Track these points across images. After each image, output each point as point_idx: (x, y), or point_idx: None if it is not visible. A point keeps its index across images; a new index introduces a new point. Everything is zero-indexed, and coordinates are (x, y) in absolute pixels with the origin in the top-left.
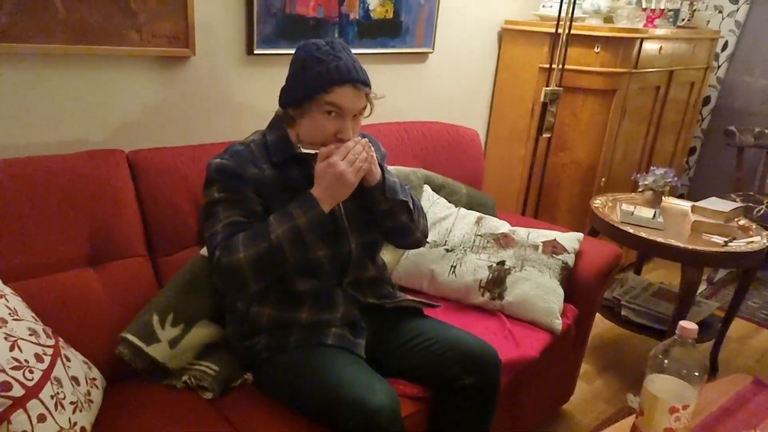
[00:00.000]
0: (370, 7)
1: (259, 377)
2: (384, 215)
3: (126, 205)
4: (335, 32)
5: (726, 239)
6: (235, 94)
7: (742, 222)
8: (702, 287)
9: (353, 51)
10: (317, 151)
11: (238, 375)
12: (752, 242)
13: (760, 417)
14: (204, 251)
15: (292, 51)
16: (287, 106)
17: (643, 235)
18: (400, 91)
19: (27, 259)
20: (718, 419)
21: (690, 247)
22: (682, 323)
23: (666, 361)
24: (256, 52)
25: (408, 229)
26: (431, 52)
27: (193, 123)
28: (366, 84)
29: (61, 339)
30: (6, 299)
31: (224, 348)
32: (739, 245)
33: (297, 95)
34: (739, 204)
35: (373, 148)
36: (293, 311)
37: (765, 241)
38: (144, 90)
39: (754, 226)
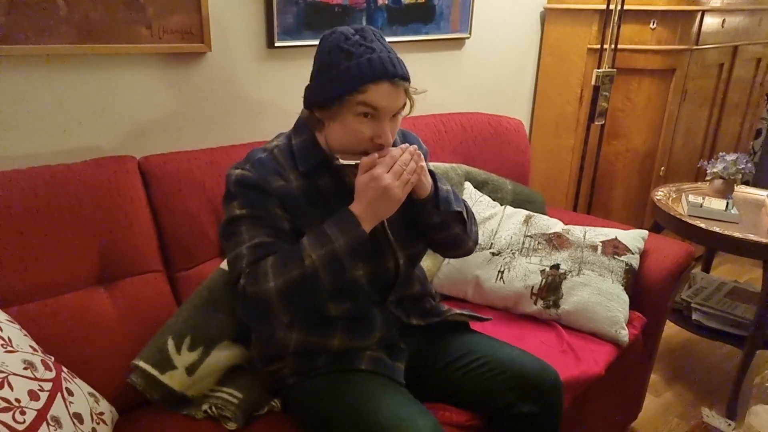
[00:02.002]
0: None
1: (287, 403)
2: (435, 228)
3: (138, 216)
4: (363, 20)
5: None
6: (255, 91)
7: None
8: None
9: None
10: (358, 162)
11: (263, 401)
12: None
13: None
14: (225, 264)
15: (317, 42)
16: (313, 108)
17: (717, 229)
18: (436, 81)
19: (29, 280)
20: None
21: None
22: None
23: (763, 394)
24: (277, 44)
25: (460, 240)
26: (468, 38)
27: (209, 124)
28: (405, 78)
29: (64, 369)
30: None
31: (248, 371)
32: None
33: (324, 95)
34: None
35: (422, 157)
36: (324, 336)
37: None
38: (156, 90)
39: None
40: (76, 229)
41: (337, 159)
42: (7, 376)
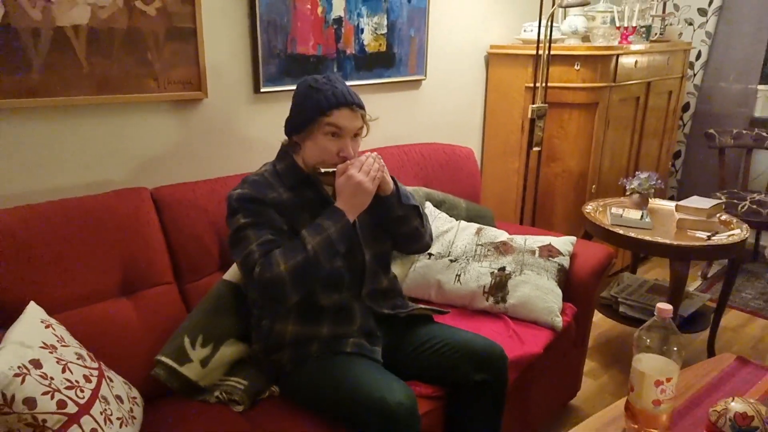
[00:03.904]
0: (365, 42)
1: (285, 388)
2: (399, 222)
3: (152, 237)
4: (334, 67)
5: (709, 234)
6: (246, 129)
7: (724, 217)
8: (697, 283)
9: (352, 83)
10: (335, 169)
11: (265, 388)
12: (733, 235)
13: (743, 390)
14: (228, 275)
15: (295, 87)
16: (292, 133)
17: (632, 235)
18: (398, 117)
19: (67, 292)
20: (705, 394)
21: (676, 243)
22: (659, 305)
23: (648, 341)
24: (262, 90)
25: (419, 234)
26: (424, 79)
27: (208, 159)
28: (360, 106)
29: (102, 363)
30: (53, 328)
31: (251, 364)
32: (720, 238)
33: (300, 121)
34: (718, 201)
35: (382, 159)
36: (314, 326)
37: (745, 234)
38: (162, 131)
39: (734, 220)
40: (103, 249)
41: (319, 169)
42: (66, 363)
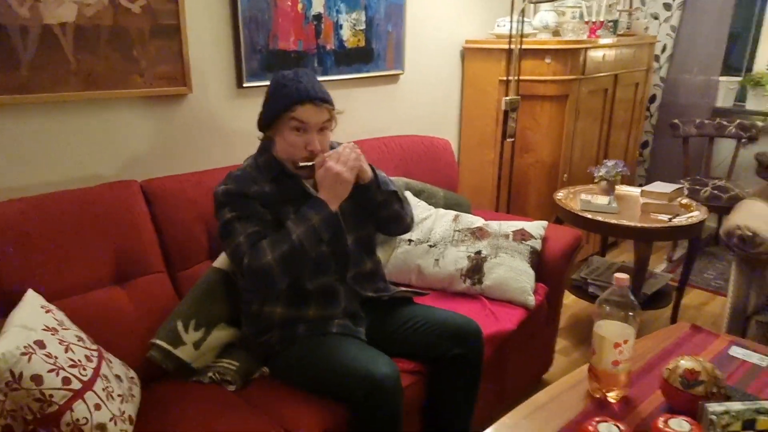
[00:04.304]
0: (344, 38)
1: (275, 368)
2: (380, 206)
3: (143, 228)
4: (315, 62)
5: (670, 216)
6: (229, 123)
7: (684, 201)
8: (663, 265)
9: (332, 77)
10: (313, 163)
11: (255, 369)
12: (692, 217)
13: (695, 353)
14: (217, 263)
15: None
16: (263, 129)
17: (600, 218)
18: (378, 110)
19: (64, 281)
20: (661, 357)
21: (639, 225)
22: (616, 275)
23: (607, 308)
24: (245, 85)
25: (400, 216)
26: (402, 74)
27: (194, 152)
28: (325, 100)
29: (100, 346)
30: (53, 313)
31: (242, 346)
32: (680, 220)
33: (268, 117)
34: (679, 185)
35: (359, 149)
36: (301, 309)
37: (703, 216)
38: (149, 126)
39: (694, 204)
40: (96, 240)
41: (298, 163)
42: (68, 344)
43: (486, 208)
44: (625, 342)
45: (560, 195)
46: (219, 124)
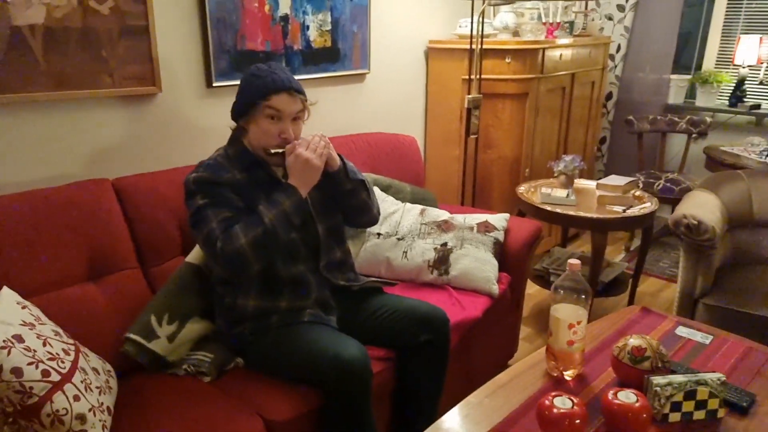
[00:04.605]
0: (311, 39)
1: (249, 359)
2: (348, 195)
3: (116, 225)
4: (282, 62)
5: (624, 207)
6: (200, 121)
7: (638, 193)
8: (621, 255)
9: (299, 77)
10: (284, 150)
11: (229, 360)
12: (644, 208)
13: (644, 333)
14: (190, 258)
15: None
16: (237, 118)
17: (558, 210)
18: (345, 108)
19: (37, 278)
20: (613, 338)
21: (595, 216)
22: (570, 261)
23: (562, 292)
24: (214, 84)
25: (367, 206)
26: (368, 73)
27: (165, 150)
28: (299, 91)
29: (76, 341)
30: (29, 309)
31: (216, 339)
32: (634, 211)
33: (243, 106)
34: (633, 179)
35: (327, 138)
36: (274, 300)
37: (655, 206)
38: (119, 125)
39: (646, 195)
40: (69, 237)
41: (268, 150)
42: (46, 338)
43: (452, 202)
44: (579, 323)
45: (522, 189)
46: (189, 123)
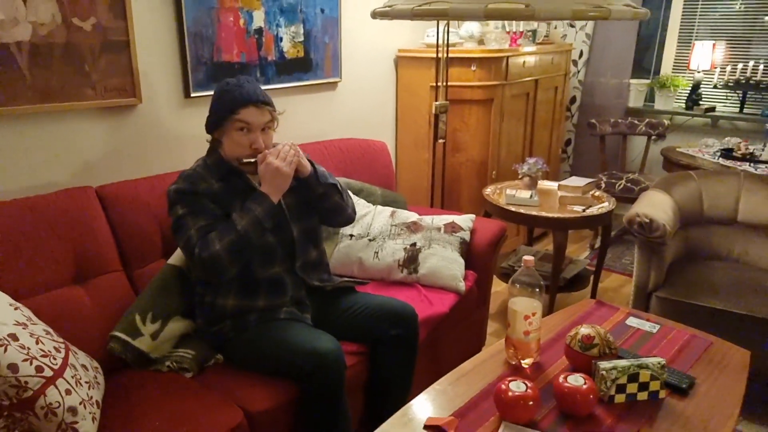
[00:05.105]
0: (284, 50)
1: (228, 355)
2: (320, 199)
3: (100, 231)
4: (257, 73)
5: (584, 207)
6: (179, 130)
7: (597, 193)
8: (586, 252)
9: (274, 86)
10: (255, 159)
11: (210, 356)
12: (602, 207)
13: (597, 324)
14: (172, 260)
15: None
16: (211, 131)
17: (522, 211)
18: (318, 116)
19: (27, 282)
20: (568, 329)
21: (556, 215)
22: (524, 257)
23: (518, 286)
24: (192, 95)
25: (341, 207)
26: (340, 81)
27: (146, 158)
28: (266, 102)
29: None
30: (21, 310)
31: (197, 337)
32: (592, 211)
33: (215, 120)
34: (592, 180)
35: (298, 146)
36: (252, 299)
37: (612, 206)
38: (101, 135)
39: (605, 195)
40: (56, 242)
41: (241, 160)
42: (38, 337)
43: (422, 204)
44: (534, 314)
45: (488, 190)
46: (169, 132)
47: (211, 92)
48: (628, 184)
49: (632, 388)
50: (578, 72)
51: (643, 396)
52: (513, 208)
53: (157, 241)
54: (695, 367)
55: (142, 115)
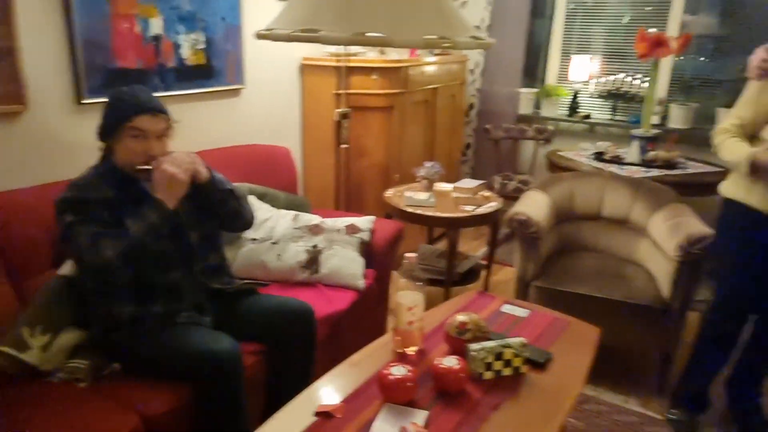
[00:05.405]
0: (184, 57)
1: (126, 363)
2: (218, 204)
3: None
4: (156, 79)
5: (474, 207)
6: (70, 137)
7: (487, 194)
8: (483, 249)
9: (173, 93)
10: (150, 166)
11: (105, 366)
12: (490, 207)
13: (476, 312)
14: (62, 270)
15: None
16: (104, 138)
17: (419, 212)
18: (221, 122)
19: None
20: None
21: (448, 215)
22: (406, 254)
23: (402, 281)
24: (84, 101)
25: (239, 213)
26: (243, 88)
27: (35, 166)
28: (161, 111)
29: None
30: None
31: (91, 346)
32: (482, 210)
33: (108, 127)
34: (482, 182)
35: (194, 153)
36: (148, 306)
37: (499, 205)
38: None
39: (493, 195)
40: None
41: (136, 167)
42: None
43: (328, 207)
44: (416, 306)
45: (389, 193)
46: (60, 139)
47: (106, 99)
48: (520, 185)
49: (498, 365)
50: (474, 81)
51: (508, 372)
52: (411, 210)
53: (47, 250)
54: (554, 345)
55: (29, 122)
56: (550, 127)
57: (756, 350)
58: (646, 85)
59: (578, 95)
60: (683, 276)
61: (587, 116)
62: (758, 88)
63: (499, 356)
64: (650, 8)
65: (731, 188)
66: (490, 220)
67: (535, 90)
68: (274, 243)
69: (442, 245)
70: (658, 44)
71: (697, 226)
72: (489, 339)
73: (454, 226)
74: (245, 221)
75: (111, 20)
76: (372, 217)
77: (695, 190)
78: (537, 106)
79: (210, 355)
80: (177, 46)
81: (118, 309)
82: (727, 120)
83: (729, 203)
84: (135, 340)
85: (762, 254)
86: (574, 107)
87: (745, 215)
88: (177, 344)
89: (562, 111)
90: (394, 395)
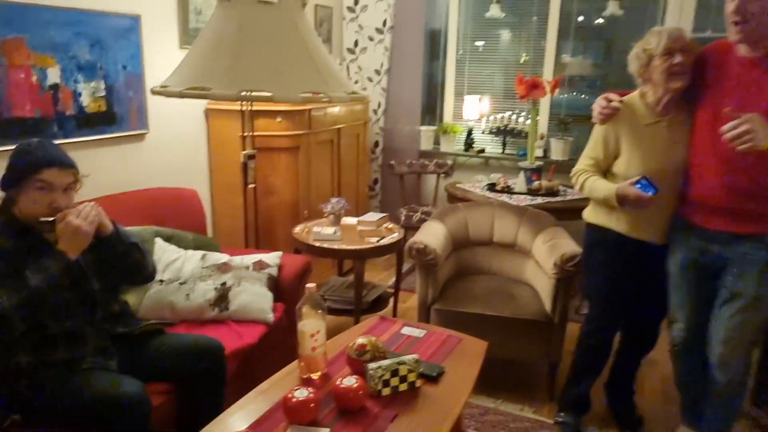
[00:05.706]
0: (84, 104)
1: (27, 413)
2: (121, 257)
3: None
4: (55, 127)
5: (378, 238)
6: None
7: (390, 226)
8: (393, 278)
9: (73, 140)
10: (55, 218)
11: (5, 418)
12: (393, 238)
13: (377, 335)
14: None
15: (13, 147)
16: (7, 189)
17: (326, 246)
18: (125, 166)
19: None
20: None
21: (353, 247)
22: (307, 285)
23: (304, 310)
24: None
25: (142, 266)
26: (147, 133)
27: None
28: (70, 165)
29: None
30: None
31: None
32: (385, 241)
33: (14, 178)
34: (384, 215)
35: (99, 207)
36: (48, 353)
37: (401, 236)
38: None
39: (396, 227)
40: None
41: (39, 219)
42: None
43: (238, 246)
44: (318, 332)
45: (297, 229)
46: None
47: (2, 148)
48: (423, 216)
49: (395, 381)
50: (378, 120)
51: (404, 387)
52: (318, 244)
53: None
54: (447, 360)
55: None
56: (449, 162)
57: (627, 355)
58: (530, 122)
59: (473, 132)
60: (560, 291)
61: (482, 150)
62: (603, 131)
63: (395, 373)
64: (530, 56)
65: (592, 214)
66: (394, 249)
67: (434, 127)
68: (182, 283)
69: (351, 277)
70: (534, 87)
71: (570, 246)
72: (386, 359)
73: (359, 257)
74: (147, 275)
75: (6, 71)
76: (279, 253)
77: (573, 214)
78: (437, 142)
79: (114, 401)
80: (77, 94)
81: (14, 359)
82: (583, 161)
83: (591, 227)
84: (36, 390)
85: (623, 270)
86: (469, 143)
87: (605, 236)
88: (79, 392)
89: (459, 146)
90: (298, 416)
